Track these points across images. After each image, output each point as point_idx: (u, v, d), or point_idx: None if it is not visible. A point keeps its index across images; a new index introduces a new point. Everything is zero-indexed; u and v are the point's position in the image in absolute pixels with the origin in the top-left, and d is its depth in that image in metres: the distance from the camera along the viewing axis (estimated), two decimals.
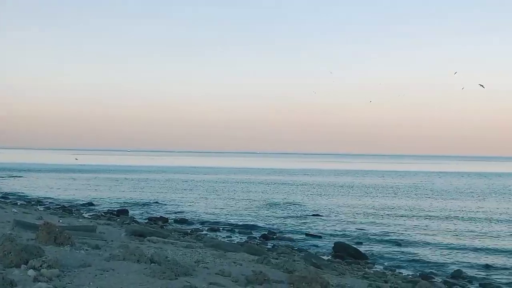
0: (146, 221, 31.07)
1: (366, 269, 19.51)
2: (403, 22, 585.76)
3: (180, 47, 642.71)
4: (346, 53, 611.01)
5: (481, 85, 37.58)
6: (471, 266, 21.02)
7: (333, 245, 24.03)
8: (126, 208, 37.16)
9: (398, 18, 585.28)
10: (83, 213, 33.36)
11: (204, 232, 27.99)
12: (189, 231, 27.31)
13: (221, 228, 29.58)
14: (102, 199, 44.13)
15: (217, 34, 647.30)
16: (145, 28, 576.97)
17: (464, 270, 20.09)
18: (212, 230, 28.92)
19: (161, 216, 33.24)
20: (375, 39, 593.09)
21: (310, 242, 26.11)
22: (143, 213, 35.94)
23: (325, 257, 21.49)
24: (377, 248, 24.60)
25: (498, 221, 34.10)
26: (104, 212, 34.53)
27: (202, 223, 31.73)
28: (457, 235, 28.30)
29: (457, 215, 36.96)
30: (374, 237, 27.66)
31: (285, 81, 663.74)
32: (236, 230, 29.11)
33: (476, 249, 24.44)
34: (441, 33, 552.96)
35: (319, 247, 24.76)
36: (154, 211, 37.41)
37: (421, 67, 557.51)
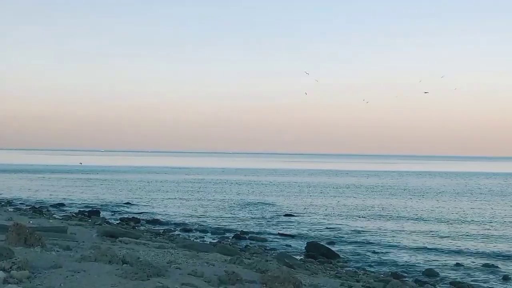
0: (118, 221, 30.82)
1: (339, 269, 19.66)
2: (402, 22, 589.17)
3: (180, 47, 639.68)
4: (346, 53, 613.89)
5: (425, 92, 39.76)
6: (443, 266, 21.29)
7: (305, 244, 24.15)
8: (98, 209, 36.81)
9: (397, 18, 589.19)
10: (54, 214, 32.92)
11: (177, 232, 27.86)
12: (161, 231, 27.16)
13: (193, 229, 29.45)
14: (73, 200, 43.63)
15: (217, 34, 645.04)
16: (145, 28, 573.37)
17: (435, 269, 20.34)
18: (184, 230, 28.79)
19: (133, 217, 32.98)
20: (374, 39, 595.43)
21: (283, 242, 26.19)
22: (115, 213, 35.65)
23: (298, 257, 21.56)
24: (349, 248, 24.80)
25: (470, 221, 34.58)
26: (75, 213, 34.12)
27: (175, 223, 31.56)
28: (429, 235, 28.66)
29: (429, 215, 37.40)
30: (346, 236, 27.89)
31: (285, 81, 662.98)
32: (209, 230, 29.02)
33: (447, 249, 24.76)
34: (441, 33, 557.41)
35: (292, 247, 24.85)
36: (126, 211, 37.14)
37: (419, 67, 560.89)
